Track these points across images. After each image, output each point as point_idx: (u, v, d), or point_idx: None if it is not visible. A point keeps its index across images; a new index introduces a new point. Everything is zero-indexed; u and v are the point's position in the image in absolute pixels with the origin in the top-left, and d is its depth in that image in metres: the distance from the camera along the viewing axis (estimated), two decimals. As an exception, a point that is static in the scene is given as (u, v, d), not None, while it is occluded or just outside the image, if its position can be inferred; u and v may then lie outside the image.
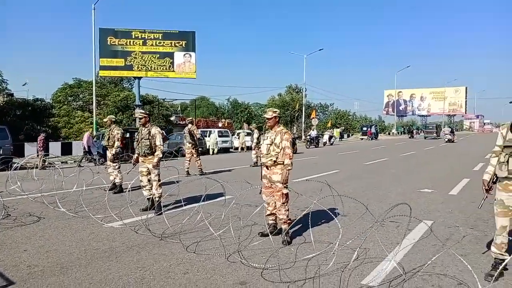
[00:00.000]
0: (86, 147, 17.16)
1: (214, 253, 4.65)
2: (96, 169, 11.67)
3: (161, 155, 6.89)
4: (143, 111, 7.32)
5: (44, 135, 17.52)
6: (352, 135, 60.08)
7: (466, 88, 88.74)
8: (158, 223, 6.02)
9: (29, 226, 5.91)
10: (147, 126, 7.00)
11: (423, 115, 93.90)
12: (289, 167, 5.05)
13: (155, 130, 6.94)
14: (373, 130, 49.39)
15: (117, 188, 8.83)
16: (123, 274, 4.00)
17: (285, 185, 5.06)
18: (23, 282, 3.83)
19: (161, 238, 5.22)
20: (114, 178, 8.97)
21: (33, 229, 5.75)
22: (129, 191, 6.89)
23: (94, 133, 20.76)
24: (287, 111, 54.61)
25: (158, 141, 6.87)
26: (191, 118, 14.89)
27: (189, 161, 12.43)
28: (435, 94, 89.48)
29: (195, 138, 12.52)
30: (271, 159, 5.13)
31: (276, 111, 5.35)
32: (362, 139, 49.44)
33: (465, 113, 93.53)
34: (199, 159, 12.50)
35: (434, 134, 49.82)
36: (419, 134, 62.75)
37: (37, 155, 15.89)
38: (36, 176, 10.02)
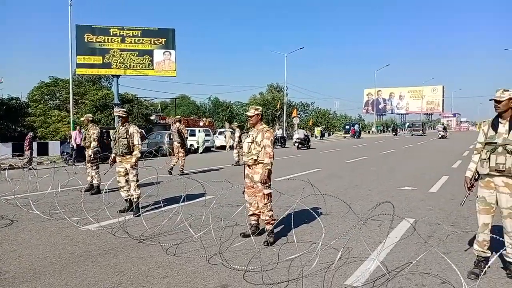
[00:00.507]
0: (75, 145, 16.54)
1: (194, 255, 4.52)
2: (73, 170, 11.36)
3: (139, 155, 6.71)
4: (124, 110, 7.11)
5: (31, 134, 17.15)
6: (332, 133, 60.50)
7: (443, 87, 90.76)
8: (137, 225, 5.84)
9: (0, 230, 5.65)
10: (125, 125, 6.81)
11: (401, 114, 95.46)
12: (269, 167, 4.93)
13: (133, 129, 6.75)
14: (356, 128, 50.15)
15: (94, 189, 8.58)
16: (99, 280, 3.84)
17: (266, 185, 4.95)
18: (-8, 290, 3.63)
19: (139, 241, 5.06)
20: (92, 179, 8.71)
21: (5, 233, 5.50)
22: (105, 192, 6.68)
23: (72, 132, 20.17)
24: (269, 110, 54.61)
25: (136, 140, 6.69)
26: (179, 116, 14.71)
27: (177, 159, 12.25)
28: (413, 93, 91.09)
29: (184, 136, 12.32)
30: (252, 158, 5.03)
31: (258, 108, 5.23)
32: (345, 137, 49.92)
33: (442, 112, 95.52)
34: (184, 159, 12.32)
35: (420, 131, 52.73)
36: (401, 131, 64.72)
37: (24, 155, 15.59)
38: (9, 177, 9.66)
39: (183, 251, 4.66)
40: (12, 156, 16.77)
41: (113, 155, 6.84)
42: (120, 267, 4.17)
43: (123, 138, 6.65)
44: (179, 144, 12.16)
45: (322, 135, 48.34)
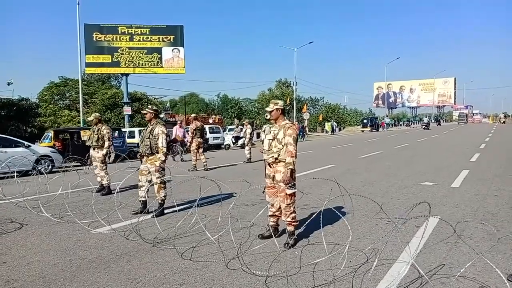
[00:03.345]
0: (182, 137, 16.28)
1: (211, 259, 4.27)
2: (84, 170, 11.20)
3: (163, 158, 6.34)
4: (150, 107, 6.84)
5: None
6: (343, 128, 59.88)
7: (455, 79, 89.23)
8: (150, 227, 5.61)
9: (10, 234, 5.46)
10: (152, 123, 6.56)
11: (412, 107, 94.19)
12: (291, 166, 4.60)
13: (158, 129, 6.39)
14: (387, 121, 58.15)
15: (105, 190, 8.38)
16: (112, 288, 3.61)
17: (289, 186, 4.65)
18: (-1, 300, 3.42)
19: (153, 244, 4.83)
20: (102, 179, 8.51)
21: (14, 238, 5.31)
22: (117, 192, 6.45)
23: None
24: (278, 105, 54.16)
25: (161, 142, 6.31)
26: (195, 114, 15.11)
27: (203, 155, 12.63)
28: (425, 86, 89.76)
29: (204, 133, 12.84)
30: (273, 156, 4.74)
31: (277, 103, 4.91)
32: (362, 131, 49.61)
33: (454, 104, 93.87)
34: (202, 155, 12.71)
35: (465, 120, 68.50)
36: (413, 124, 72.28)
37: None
38: (19, 179, 9.50)
39: (200, 255, 4.42)
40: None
41: (139, 153, 6.65)
42: (134, 274, 3.94)
43: (146, 138, 6.40)
44: (200, 140, 12.51)
45: (333, 130, 47.62)
